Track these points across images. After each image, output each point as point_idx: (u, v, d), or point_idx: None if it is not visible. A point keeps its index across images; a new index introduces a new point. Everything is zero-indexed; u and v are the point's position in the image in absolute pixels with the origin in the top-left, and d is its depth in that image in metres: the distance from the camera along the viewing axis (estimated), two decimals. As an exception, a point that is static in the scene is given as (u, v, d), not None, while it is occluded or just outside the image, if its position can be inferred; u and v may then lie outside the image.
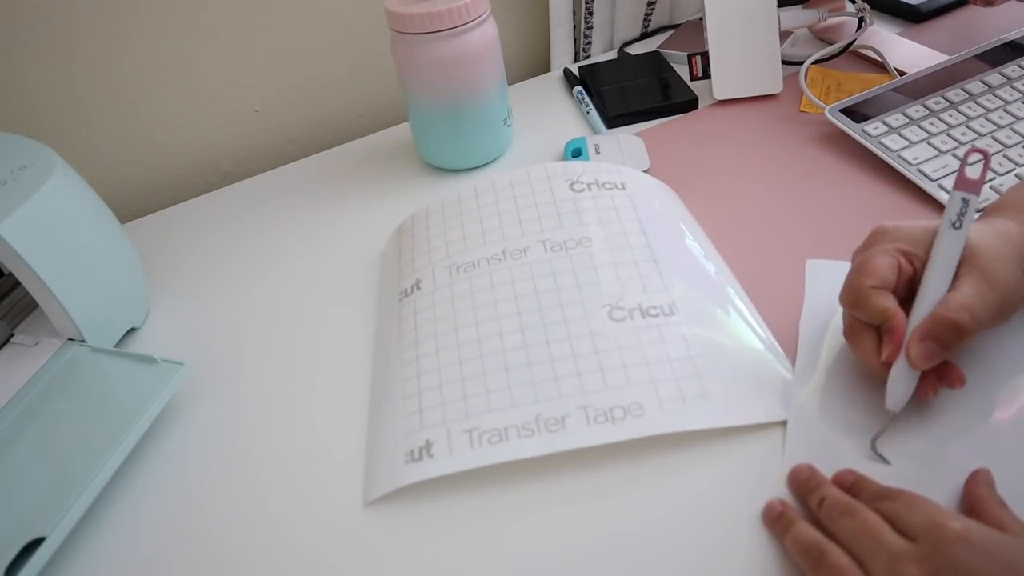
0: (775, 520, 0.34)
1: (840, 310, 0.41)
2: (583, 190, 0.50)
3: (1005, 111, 0.55)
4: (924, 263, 0.37)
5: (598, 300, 0.43)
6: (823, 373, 0.40)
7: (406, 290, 0.48)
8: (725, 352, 0.41)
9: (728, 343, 0.42)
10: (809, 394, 0.39)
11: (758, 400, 0.39)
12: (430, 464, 0.38)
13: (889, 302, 0.36)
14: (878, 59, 0.67)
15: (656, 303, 0.42)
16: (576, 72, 0.75)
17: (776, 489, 0.36)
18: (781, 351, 0.42)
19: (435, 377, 0.41)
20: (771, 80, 0.66)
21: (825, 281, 0.45)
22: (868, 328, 0.37)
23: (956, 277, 0.36)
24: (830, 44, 0.69)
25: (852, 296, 0.37)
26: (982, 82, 0.58)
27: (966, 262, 0.36)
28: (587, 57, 0.79)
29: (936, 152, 0.53)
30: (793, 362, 0.41)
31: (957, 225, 0.36)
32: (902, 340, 0.35)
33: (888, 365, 0.36)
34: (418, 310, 0.46)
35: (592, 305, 0.42)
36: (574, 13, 0.75)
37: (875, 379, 0.37)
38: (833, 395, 0.39)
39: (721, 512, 0.35)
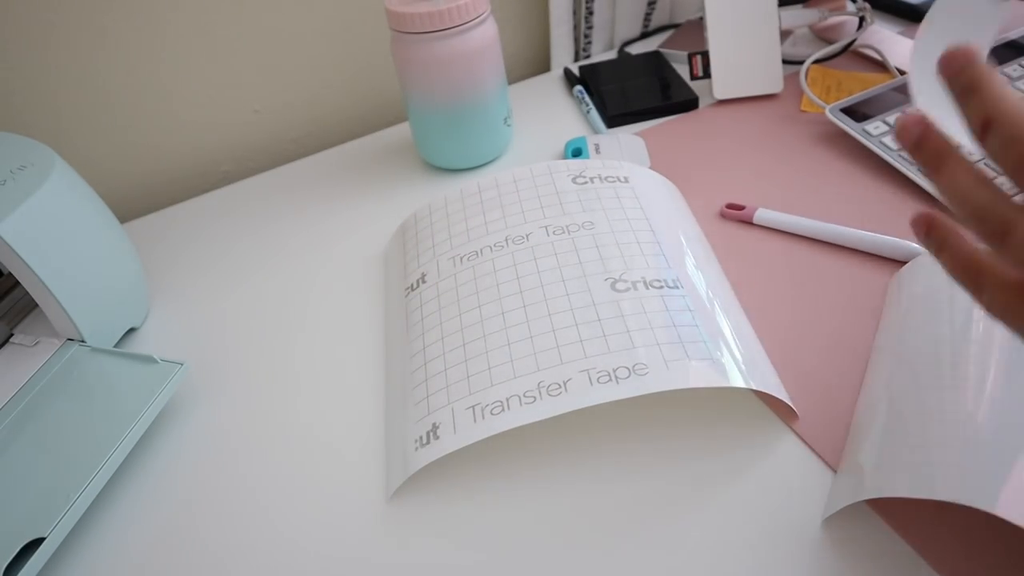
0: (928, 231, 0.28)
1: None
2: (586, 183, 0.50)
3: (1006, 110, 0.55)
4: None
5: (601, 274, 0.42)
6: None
7: (412, 285, 0.48)
8: (724, 328, 0.41)
9: (727, 324, 0.41)
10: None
11: (760, 372, 0.39)
12: (436, 446, 0.37)
13: None
14: (879, 58, 0.67)
15: (660, 277, 0.42)
16: (576, 72, 0.75)
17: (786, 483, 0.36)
18: (764, 353, 0.42)
19: (440, 363, 0.41)
20: (771, 79, 0.66)
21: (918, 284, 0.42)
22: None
23: None
24: (830, 43, 0.69)
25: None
26: (983, 81, 0.58)
27: None
28: (587, 57, 0.79)
29: (937, 151, 0.53)
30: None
31: None
32: None
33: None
34: (423, 303, 0.46)
35: (595, 279, 0.42)
36: (574, 13, 0.75)
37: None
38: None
39: (730, 491, 0.35)
